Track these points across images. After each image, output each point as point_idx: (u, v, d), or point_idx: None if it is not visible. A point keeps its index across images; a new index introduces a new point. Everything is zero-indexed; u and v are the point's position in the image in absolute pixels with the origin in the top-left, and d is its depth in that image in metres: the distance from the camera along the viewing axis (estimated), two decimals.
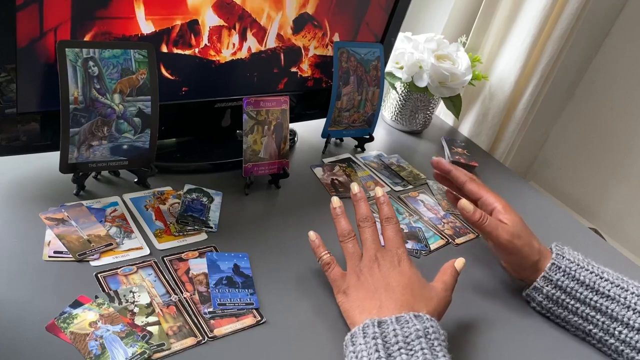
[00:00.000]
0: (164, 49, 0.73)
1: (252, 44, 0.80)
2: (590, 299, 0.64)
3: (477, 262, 0.77)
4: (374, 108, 0.95)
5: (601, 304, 0.64)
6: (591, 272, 0.65)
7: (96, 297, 0.57)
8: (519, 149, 1.37)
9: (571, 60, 1.37)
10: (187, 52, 0.75)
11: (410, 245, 0.77)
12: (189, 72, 0.77)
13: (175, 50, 0.74)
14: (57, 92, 0.62)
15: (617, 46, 1.44)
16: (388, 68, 1.03)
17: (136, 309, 0.57)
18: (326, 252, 0.63)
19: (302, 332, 0.60)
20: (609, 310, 0.63)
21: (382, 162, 0.96)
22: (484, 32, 1.18)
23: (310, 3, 0.82)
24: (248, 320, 0.59)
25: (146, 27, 0.69)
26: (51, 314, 0.54)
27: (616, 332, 0.63)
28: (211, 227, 0.71)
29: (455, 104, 1.08)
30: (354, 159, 0.95)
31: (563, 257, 0.66)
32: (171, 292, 0.60)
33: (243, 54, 0.80)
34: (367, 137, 0.98)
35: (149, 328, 0.55)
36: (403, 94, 1.07)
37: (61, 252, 0.61)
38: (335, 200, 0.66)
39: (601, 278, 0.65)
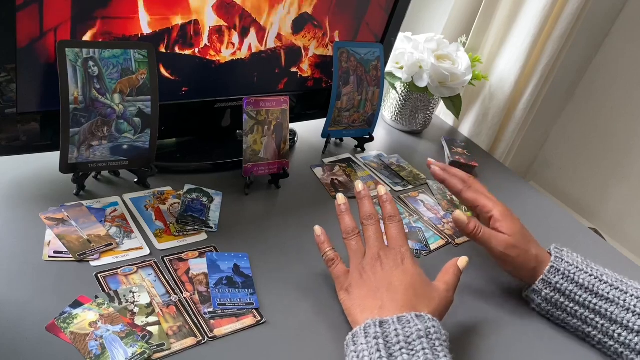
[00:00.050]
0: (164, 49, 0.73)
1: (252, 43, 0.80)
2: (590, 302, 0.64)
3: (477, 262, 0.77)
4: (374, 108, 0.95)
5: (600, 307, 0.63)
6: (590, 275, 0.65)
7: (96, 297, 0.57)
8: (519, 149, 1.37)
9: (571, 60, 1.37)
10: (187, 52, 0.75)
11: (410, 245, 0.76)
12: (189, 72, 0.77)
13: (175, 50, 0.74)
14: (57, 92, 0.62)
15: (617, 46, 1.44)
16: (388, 68, 1.03)
17: (136, 309, 0.57)
18: (331, 248, 0.63)
19: (302, 332, 0.60)
20: (608, 313, 0.63)
21: (382, 162, 0.96)
22: (484, 32, 1.18)
23: (310, 3, 0.82)
24: (248, 320, 0.59)
25: (147, 27, 0.69)
26: (51, 314, 0.54)
27: (615, 335, 0.63)
28: (211, 227, 0.71)
29: (455, 104, 1.08)
30: (354, 159, 0.95)
31: (562, 260, 0.66)
32: (171, 292, 0.60)
33: (243, 54, 0.80)
34: (367, 137, 0.98)
35: (149, 328, 0.55)
36: (403, 94, 1.07)
37: (61, 252, 0.61)
38: (341, 197, 0.66)
39: (600, 281, 0.64)
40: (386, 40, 0.95)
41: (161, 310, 0.57)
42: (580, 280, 0.64)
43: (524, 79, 1.19)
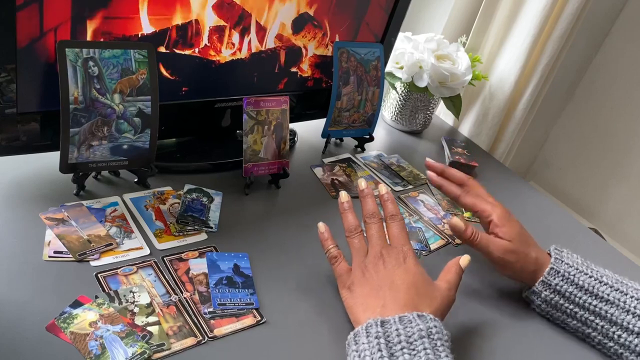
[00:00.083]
0: (164, 49, 0.73)
1: (252, 43, 0.80)
2: (590, 304, 0.64)
3: (477, 262, 0.76)
4: (374, 108, 0.95)
5: (600, 309, 0.63)
6: (590, 276, 0.64)
7: (96, 297, 0.57)
8: (519, 149, 1.37)
9: (571, 60, 1.37)
10: (187, 52, 0.75)
11: None
12: (189, 72, 0.77)
13: (176, 50, 0.74)
14: (57, 92, 0.62)
15: (617, 46, 1.44)
16: (388, 68, 1.03)
17: (136, 309, 0.57)
18: (334, 245, 0.63)
19: (302, 332, 0.60)
20: (608, 315, 0.63)
21: (382, 162, 0.96)
22: (484, 32, 1.18)
23: (310, 3, 0.82)
24: (248, 320, 0.59)
25: (147, 26, 0.69)
26: (51, 314, 0.54)
27: (615, 336, 0.63)
28: (211, 227, 0.71)
29: (455, 104, 1.08)
30: (354, 159, 0.95)
31: (562, 262, 0.66)
32: (171, 292, 0.60)
33: (243, 53, 0.80)
34: (367, 137, 0.98)
35: (149, 328, 0.55)
36: (403, 94, 1.07)
37: (61, 252, 0.61)
38: (344, 195, 0.66)
39: (600, 282, 0.64)
40: (386, 40, 0.95)
41: (161, 310, 0.58)
42: (580, 282, 0.64)
43: (524, 79, 1.19)
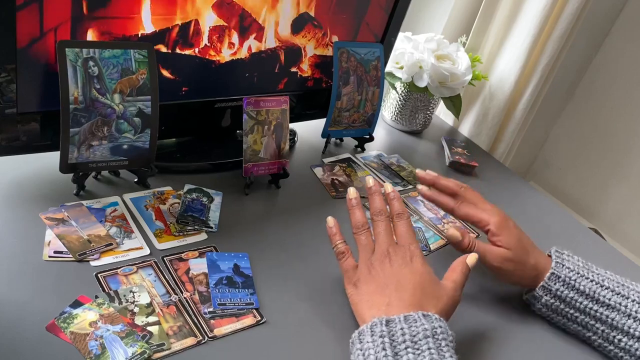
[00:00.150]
0: (164, 49, 0.73)
1: (252, 43, 0.80)
2: (590, 309, 0.63)
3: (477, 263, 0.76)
4: (374, 108, 0.95)
5: (601, 313, 0.63)
6: (591, 281, 0.64)
7: (96, 297, 0.57)
8: (519, 149, 1.37)
9: (571, 60, 1.37)
10: (187, 52, 0.75)
11: None
12: (189, 72, 0.77)
13: (176, 50, 0.74)
14: (57, 92, 0.62)
15: (617, 46, 1.44)
16: (388, 68, 1.03)
17: (136, 309, 0.57)
18: (342, 240, 0.63)
19: (302, 331, 0.60)
20: (609, 320, 0.63)
21: (382, 162, 0.96)
22: (484, 32, 1.18)
23: (310, 3, 0.82)
24: (248, 320, 0.59)
25: (147, 26, 0.69)
26: (51, 314, 0.54)
27: (615, 340, 0.63)
28: (211, 227, 0.71)
29: (455, 104, 1.08)
30: (354, 159, 0.95)
31: (562, 266, 0.65)
32: (171, 292, 0.60)
33: (243, 53, 0.80)
34: (367, 137, 0.98)
35: (149, 328, 0.55)
36: (403, 94, 1.07)
37: (61, 252, 0.61)
38: (352, 191, 0.65)
39: (601, 286, 0.63)
40: (386, 40, 0.95)
41: (161, 310, 0.58)
42: (581, 287, 0.64)
43: (524, 79, 1.19)
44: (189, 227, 0.70)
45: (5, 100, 0.63)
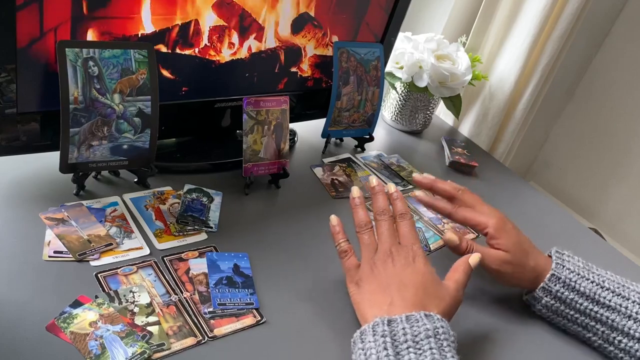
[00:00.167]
0: (164, 49, 0.73)
1: (252, 43, 0.80)
2: (591, 310, 0.63)
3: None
4: (373, 108, 0.95)
5: (601, 315, 0.63)
6: (592, 282, 0.64)
7: (96, 297, 0.57)
8: (519, 149, 1.37)
9: (571, 60, 1.37)
10: (187, 52, 0.75)
11: None
12: (189, 72, 0.77)
13: (176, 50, 0.74)
14: (57, 92, 0.62)
15: (617, 46, 1.44)
16: (388, 68, 1.03)
17: (136, 309, 0.57)
18: (345, 239, 0.63)
19: (302, 331, 0.60)
20: (609, 321, 0.62)
21: (382, 162, 0.96)
22: (484, 32, 1.18)
23: (310, 3, 0.82)
24: (248, 320, 0.59)
25: (146, 26, 0.69)
26: (51, 314, 0.54)
27: (616, 341, 0.63)
28: (211, 227, 0.71)
29: (455, 104, 1.08)
30: (354, 159, 0.95)
31: (563, 267, 0.65)
32: (171, 292, 0.60)
33: (243, 53, 0.80)
34: (367, 137, 0.98)
35: (149, 328, 0.55)
36: (403, 94, 1.07)
37: (61, 252, 0.61)
38: (356, 190, 0.65)
39: (602, 287, 0.63)
40: (386, 40, 0.95)
41: (161, 310, 0.58)
42: (581, 289, 0.63)
43: (524, 79, 1.19)
44: (189, 227, 0.70)
45: (5, 100, 0.63)
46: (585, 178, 1.56)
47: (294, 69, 0.88)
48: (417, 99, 1.06)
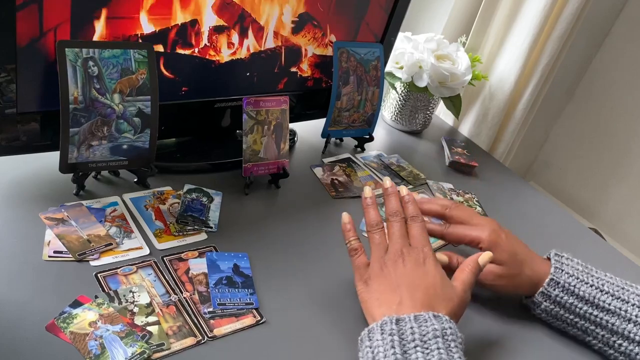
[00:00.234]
0: (164, 49, 0.73)
1: (251, 43, 0.80)
2: (590, 314, 0.63)
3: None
4: (373, 108, 0.95)
5: (601, 319, 0.63)
6: (591, 285, 0.63)
7: (96, 297, 0.57)
8: (519, 149, 1.37)
9: (571, 60, 1.37)
10: (187, 52, 0.75)
11: None
12: (189, 72, 0.77)
13: (175, 50, 0.74)
14: (57, 92, 0.62)
15: (617, 46, 1.44)
16: (388, 68, 1.03)
17: (136, 309, 0.57)
18: (355, 237, 0.62)
19: (302, 331, 0.60)
20: (609, 325, 0.62)
21: (382, 162, 0.96)
22: (484, 32, 1.18)
23: (310, 3, 0.82)
24: (248, 320, 0.59)
25: (146, 26, 0.69)
26: (51, 313, 0.54)
27: (616, 345, 0.63)
28: (211, 227, 0.71)
29: (455, 104, 1.08)
30: (353, 158, 0.95)
31: (562, 271, 0.64)
32: (171, 292, 0.60)
33: (243, 53, 0.80)
34: (367, 137, 0.98)
35: (148, 328, 0.55)
36: (403, 94, 1.07)
37: (61, 252, 0.61)
38: (368, 191, 0.65)
39: (601, 291, 0.63)
40: (386, 40, 0.95)
41: (161, 310, 0.58)
42: (581, 293, 0.63)
43: (524, 79, 1.19)
44: (189, 227, 0.70)
45: (5, 100, 0.63)
46: (585, 178, 1.56)
47: (293, 69, 0.88)
48: (417, 99, 1.06)
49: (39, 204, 0.67)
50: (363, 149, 0.98)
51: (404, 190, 0.65)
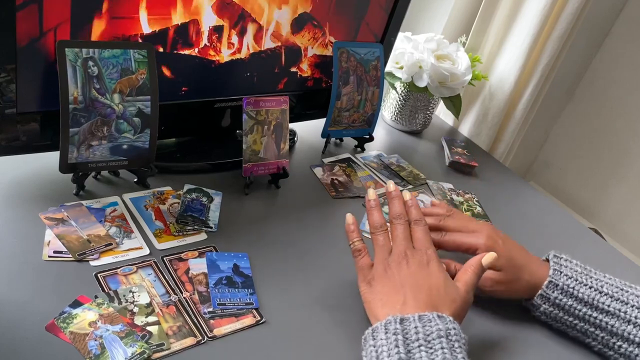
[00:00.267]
0: (164, 49, 0.72)
1: (251, 43, 0.80)
2: (590, 316, 0.63)
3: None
4: (373, 108, 0.95)
5: (600, 320, 0.63)
6: (590, 287, 0.63)
7: (96, 297, 0.57)
8: (519, 149, 1.37)
9: (571, 60, 1.36)
10: (187, 52, 0.75)
11: None
12: (189, 72, 0.77)
13: (175, 50, 0.74)
14: (57, 92, 0.62)
15: (617, 46, 1.44)
16: (388, 68, 1.03)
17: (136, 309, 0.57)
18: (359, 238, 0.62)
19: (302, 331, 0.60)
20: (609, 326, 0.62)
21: (382, 162, 0.96)
22: (484, 32, 1.18)
23: (309, 3, 0.82)
24: (248, 320, 0.59)
25: (146, 26, 0.69)
26: (51, 314, 0.54)
27: (615, 347, 0.62)
28: (211, 227, 0.71)
29: (455, 104, 1.08)
30: (353, 159, 0.95)
31: (561, 273, 0.64)
32: (171, 292, 0.60)
33: (243, 53, 0.80)
34: (367, 137, 0.98)
35: (148, 328, 0.55)
36: (403, 94, 1.07)
37: (61, 252, 0.61)
38: (371, 193, 0.65)
39: (600, 293, 0.63)
40: (386, 40, 0.95)
41: (161, 310, 0.58)
42: (580, 295, 0.63)
43: (523, 79, 1.19)
44: (189, 227, 0.70)
45: (5, 100, 0.63)
46: (585, 178, 1.55)
47: (293, 69, 0.88)
48: (417, 99, 1.06)
49: (39, 204, 0.67)
50: (363, 149, 0.98)
51: (407, 195, 0.66)
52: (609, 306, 0.62)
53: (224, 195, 0.77)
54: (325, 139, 0.94)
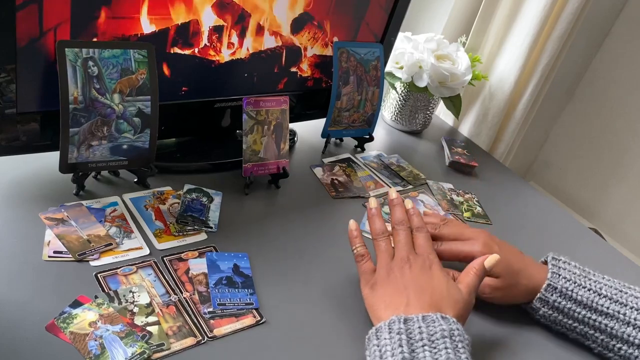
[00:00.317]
0: (164, 49, 0.72)
1: (251, 43, 0.80)
2: (589, 318, 0.63)
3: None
4: (373, 108, 0.95)
5: (600, 322, 0.63)
6: (589, 289, 0.63)
7: (96, 297, 0.57)
8: (519, 149, 1.37)
9: (571, 60, 1.37)
10: (187, 52, 0.75)
11: None
12: (189, 72, 0.77)
13: (175, 50, 0.74)
14: (57, 92, 0.62)
15: (617, 46, 1.44)
16: (388, 68, 1.03)
17: (136, 309, 0.57)
18: (362, 244, 0.63)
19: (302, 331, 0.60)
20: (608, 329, 0.62)
21: (382, 162, 0.96)
22: (484, 32, 1.18)
23: (309, 3, 0.82)
24: (248, 320, 0.59)
25: (146, 26, 0.69)
26: (51, 314, 0.54)
27: (615, 349, 0.62)
28: (211, 227, 0.71)
29: (455, 104, 1.08)
30: (353, 159, 0.95)
31: (559, 276, 0.64)
32: (171, 292, 0.60)
33: (243, 53, 0.80)
34: (367, 137, 0.98)
35: (148, 328, 0.55)
36: (403, 94, 1.07)
37: (61, 252, 0.61)
38: (373, 201, 0.66)
39: (599, 295, 0.63)
40: (386, 40, 0.95)
41: (161, 310, 0.58)
42: (579, 297, 0.63)
43: (523, 79, 1.19)
44: (189, 227, 0.70)
45: (5, 100, 0.63)
46: (585, 178, 1.56)
47: (293, 69, 0.88)
48: (417, 99, 1.06)
49: (39, 204, 0.67)
50: (363, 149, 0.98)
51: (409, 203, 0.67)
52: (607, 308, 0.62)
53: (224, 195, 0.77)
54: (325, 139, 0.94)
